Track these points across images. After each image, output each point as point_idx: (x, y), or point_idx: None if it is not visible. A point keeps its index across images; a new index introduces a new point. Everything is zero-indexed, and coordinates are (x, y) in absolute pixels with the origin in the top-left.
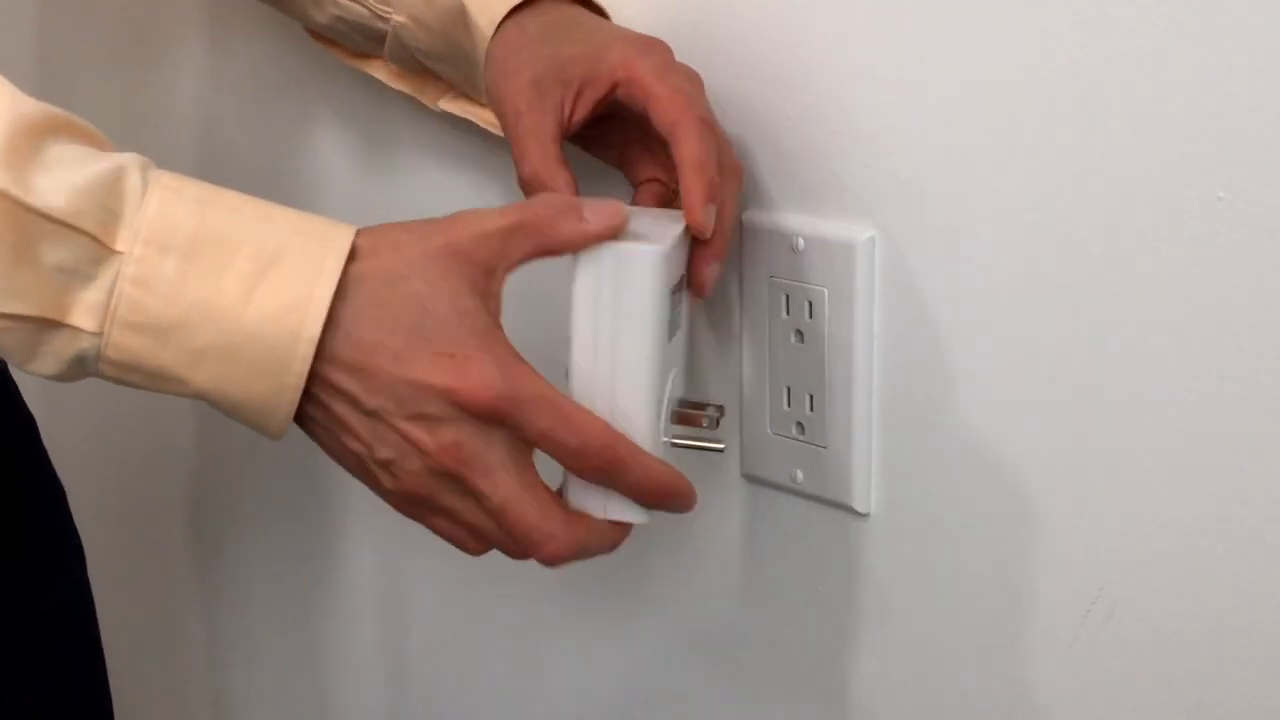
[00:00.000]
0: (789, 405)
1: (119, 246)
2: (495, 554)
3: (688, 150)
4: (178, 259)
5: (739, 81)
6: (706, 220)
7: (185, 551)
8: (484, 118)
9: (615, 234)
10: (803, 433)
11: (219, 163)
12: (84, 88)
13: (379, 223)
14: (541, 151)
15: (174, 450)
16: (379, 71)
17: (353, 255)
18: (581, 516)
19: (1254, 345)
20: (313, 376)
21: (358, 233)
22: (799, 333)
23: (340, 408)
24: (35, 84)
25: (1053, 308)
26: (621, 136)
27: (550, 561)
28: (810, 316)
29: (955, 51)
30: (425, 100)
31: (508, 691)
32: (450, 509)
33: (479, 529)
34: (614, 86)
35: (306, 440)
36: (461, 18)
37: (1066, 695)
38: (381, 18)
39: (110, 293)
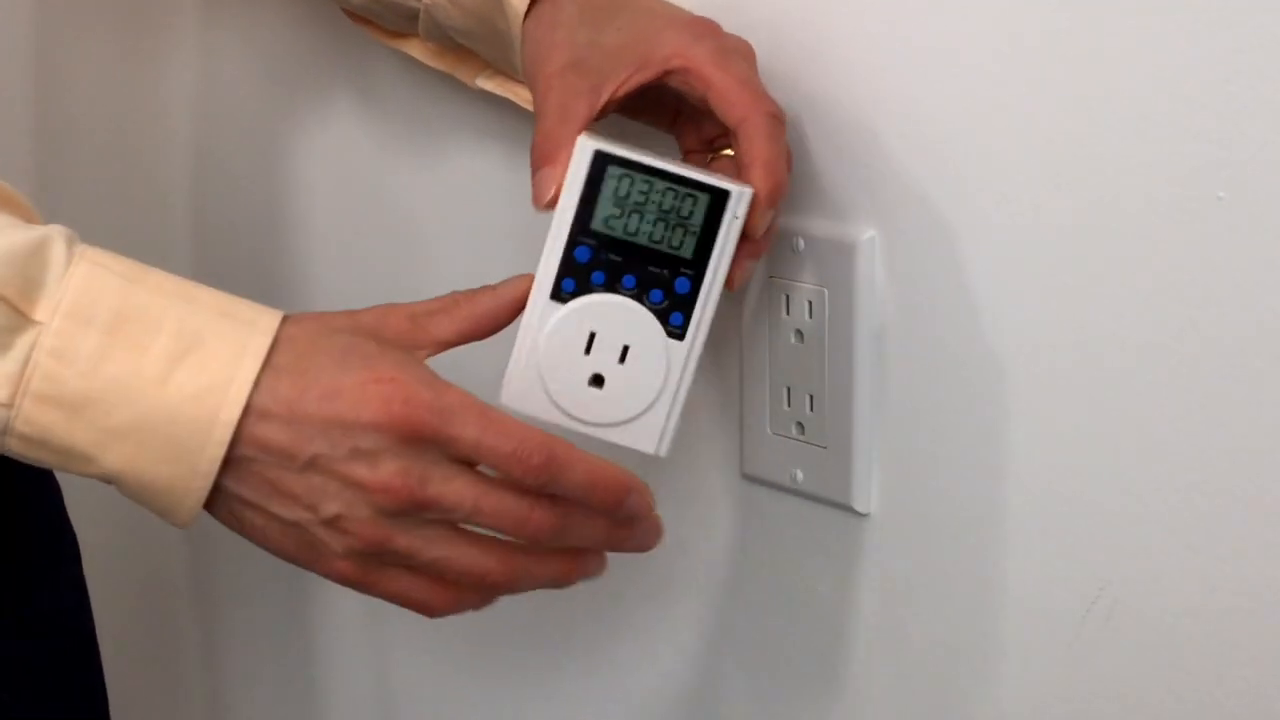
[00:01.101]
0: (789, 405)
1: (38, 316)
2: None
3: (758, 151)
4: (99, 333)
5: None
6: (762, 224)
7: (182, 551)
8: (523, 96)
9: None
10: (803, 433)
11: (215, 161)
12: (81, 86)
13: (373, 223)
14: (555, 127)
15: None
16: (416, 50)
17: (276, 339)
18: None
19: (1254, 345)
20: (239, 442)
21: (284, 319)
22: (799, 333)
23: (273, 472)
24: (32, 81)
25: (1053, 308)
26: (674, 104)
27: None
28: (810, 316)
29: (955, 52)
30: (463, 78)
31: (505, 692)
32: (411, 551)
33: (451, 564)
34: (665, 74)
35: None
36: None
37: (1067, 695)
38: None
39: (25, 363)
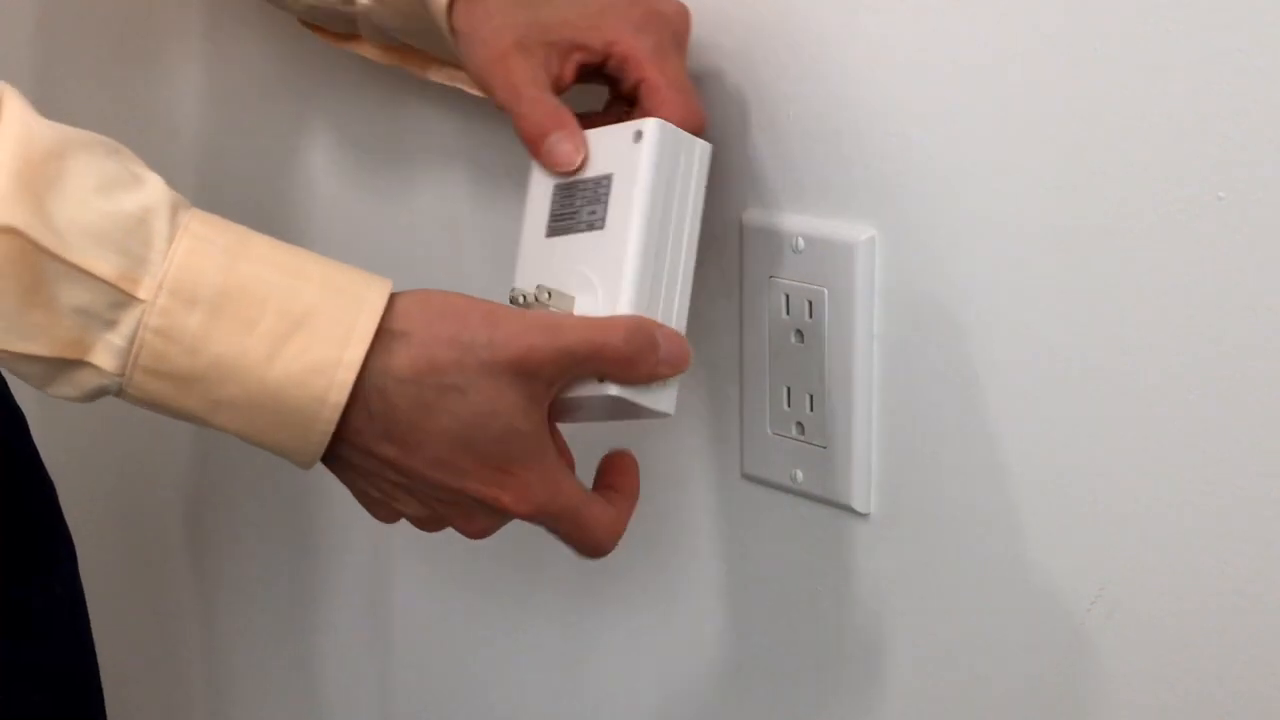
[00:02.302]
0: (789, 405)
1: (141, 294)
2: (492, 556)
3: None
4: (203, 313)
5: (739, 81)
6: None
7: (180, 551)
8: (471, 83)
9: (678, 371)
10: (803, 433)
11: (216, 161)
12: (80, 89)
13: (374, 226)
14: (539, 95)
15: (169, 448)
16: (365, 50)
17: (390, 323)
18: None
19: (1255, 345)
20: (346, 418)
21: (394, 296)
22: (799, 333)
23: (367, 463)
24: (32, 86)
25: (1053, 308)
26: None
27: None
28: (810, 316)
29: (956, 52)
30: (415, 72)
31: (503, 693)
32: (466, 529)
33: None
34: (605, 58)
35: None
36: None
37: (1067, 694)
38: (347, 2)
39: (131, 340)
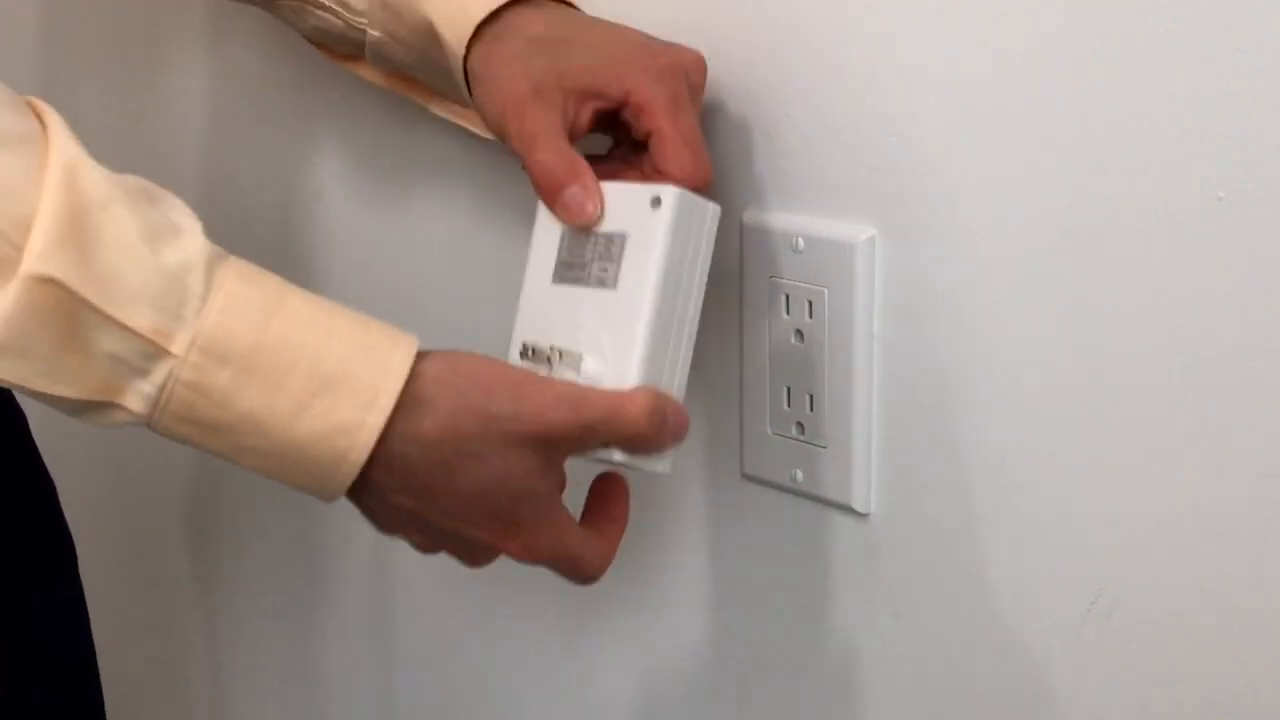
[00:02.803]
0: (789, 405)
1: (174, 349)
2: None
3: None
4: (233, 370)
5: (739, 81)
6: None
7: (179, 550)
8: (476, 122)
9: (676, 443)
10: (803, 433)
11: (221, 171)
12: (86, 95)
13: (384, 238)
14: (556, 145)
15: (169, 448)
16: (368, 74)
17: (416, 389)
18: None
19: (1254, 345)
20: (368, 471)
21: (422, 356)
22: (799, 333)
23: (382, 506)
24: (34, 89)
25: (1053, 308)
26: (611, 138)
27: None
28: (810, 316)
29: (955, 52)
30: (418, 100)
31: (505, 693)
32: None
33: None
34: (623, 107)
35: None
36: (432, 35)
37: (1068, 694)
38: (358, 29)
39: (162, 388)
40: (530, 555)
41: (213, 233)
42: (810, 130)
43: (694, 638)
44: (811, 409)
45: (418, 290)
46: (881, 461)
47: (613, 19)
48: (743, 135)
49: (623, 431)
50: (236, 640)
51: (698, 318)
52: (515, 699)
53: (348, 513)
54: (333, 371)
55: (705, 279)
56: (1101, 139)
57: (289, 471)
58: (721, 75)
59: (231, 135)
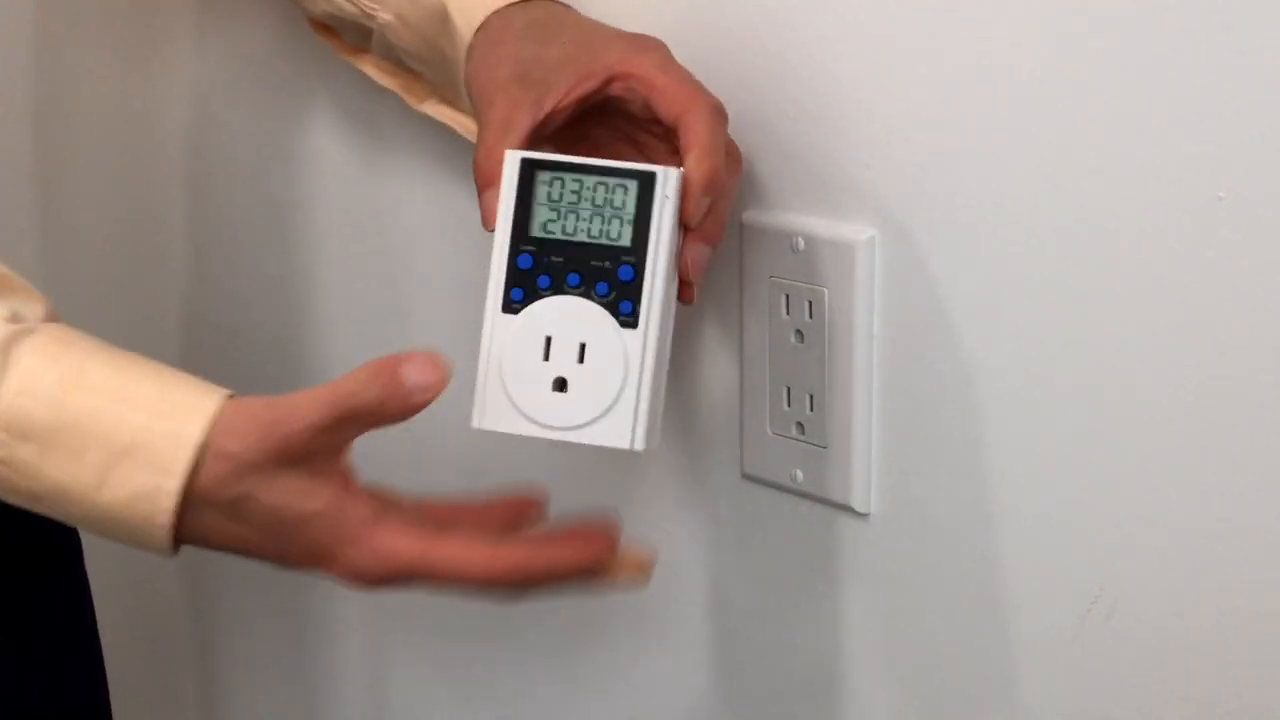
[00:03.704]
0: (789, 405)
1: None
2: None
3: (694, 136)
4: (36, 446)
5: (739, 81)
6: (698, 211)
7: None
8: (465, 125)
9: (439, 390)
10: (803, 433)
11: (214, 164)
12: (81, 81)
13: (380, 228)
14: (495, 144)
15: None
16: (369, 67)
17: (217, 444)
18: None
19: (1254, 345)
20: (184, 517)
21: (219, 409)
22: (799, 333)
23: (229, 549)
24: (32, 78)
25: (1053, 308)
26: (608, 135)
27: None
28: (810, 316)
29: (955, 52)
30: (410, 100)
31: (504, 693)
32: None
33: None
34: (608, 82)
35: None
36: (443, 18)
37: (1067, 694)
38: (369, 15)
39: None
40: (369, 578)
41: (52, 312)
42: (810, 130)
43: (693, 638)
44: (811, 409)
45: (414, 279)
46: (881, 461)
47: (613, 21)
48: (742, 136)
49: (357, 409)
50: (236, 639)
51: (674, 275)
52: (515, 699)
53: None
54: (130, 441)
55: (669, 241)
56: (1102, 139)
57: (114, 533)
58: (722, 76)
59: (226, 127)
